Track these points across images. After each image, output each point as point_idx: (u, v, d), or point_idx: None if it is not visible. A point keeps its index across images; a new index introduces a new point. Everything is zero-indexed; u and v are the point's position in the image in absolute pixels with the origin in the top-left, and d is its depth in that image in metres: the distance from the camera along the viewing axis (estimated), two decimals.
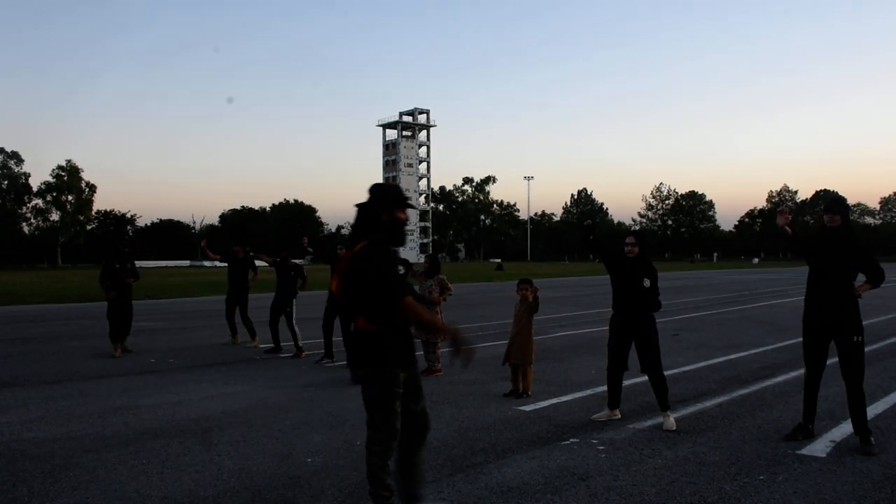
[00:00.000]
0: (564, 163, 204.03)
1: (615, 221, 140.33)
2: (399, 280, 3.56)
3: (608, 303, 6.52)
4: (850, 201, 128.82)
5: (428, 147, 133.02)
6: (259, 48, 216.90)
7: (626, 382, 6.64)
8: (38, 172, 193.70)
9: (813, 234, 5.39)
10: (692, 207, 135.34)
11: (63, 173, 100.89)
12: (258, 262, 12.13)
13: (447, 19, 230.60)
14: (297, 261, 11.36)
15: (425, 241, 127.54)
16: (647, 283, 5.91)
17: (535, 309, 7.29)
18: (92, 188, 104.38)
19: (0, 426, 6.08)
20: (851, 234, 5.33)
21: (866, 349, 5.48)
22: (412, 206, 3.77)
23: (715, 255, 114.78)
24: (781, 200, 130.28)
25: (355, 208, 3.65)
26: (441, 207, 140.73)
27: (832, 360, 5.42)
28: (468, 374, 8.54)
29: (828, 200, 5.58)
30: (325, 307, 9.94)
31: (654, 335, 5.93)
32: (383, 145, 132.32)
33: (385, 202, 3.58)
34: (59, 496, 4.31)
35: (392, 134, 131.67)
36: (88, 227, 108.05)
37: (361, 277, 3.48)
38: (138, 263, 11.48)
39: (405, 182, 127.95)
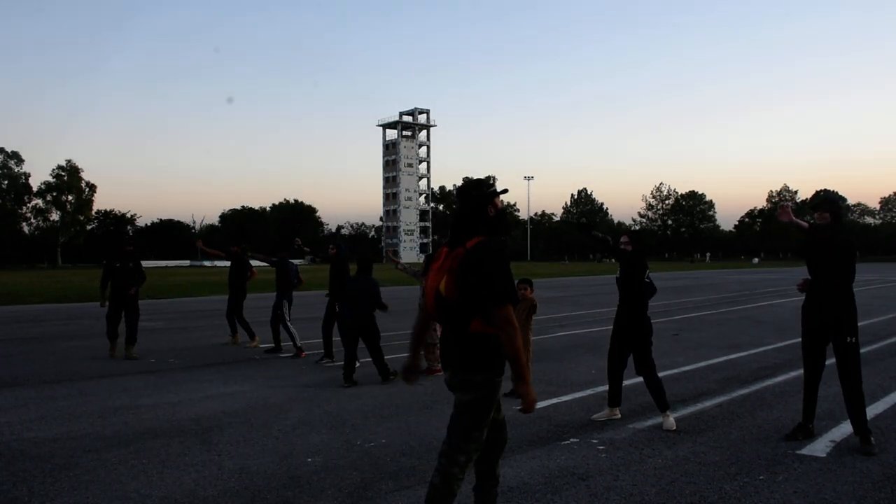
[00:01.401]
0: (564, 163, 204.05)
1: (615, 221, 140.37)
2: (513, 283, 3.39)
3: (608, 303, 6.52)
4: (850, 201, 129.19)
5: (428, 147, 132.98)
6: (259, 48, 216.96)
7: (626, 382, 6.63)
8: (38, 172, 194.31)
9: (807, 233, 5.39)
10: (692, 207, 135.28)
11: (63, 173, 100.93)
12: (255, 262, 12.13)
13: (447, 19, 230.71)
14: (296, 261, 11.38)
15: (425, 241, 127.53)
16: (618, 273, 5.98)
17: (532, 312, 7.29)
18: (92, 188, 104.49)
19: (0, 426, 6.08)
20: (841, 231, 5.31)
21: (866, 349, 5.49)
22: (506, 191, 3.60)
23: (707, 255, 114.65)
24: (782, 200, 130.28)
25: (454, 209, 3.51)
26: (441, 207, 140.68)
27: (832, 360, 5.42)
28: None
29: (817, 199, 5.59)
30: (325, 307, 9.94)
31: (645, 339, 5.93)
32: (383, 145, 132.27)
33: (487, 196, 3.44)
34: (59, 496, 4.31)
35: (392, 134, 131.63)
36: (88, 227, 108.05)
37: (481, 276, 3.25)
38: None
39: (405, 182, 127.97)
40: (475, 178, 3.59)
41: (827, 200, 5.41)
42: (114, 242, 12.59)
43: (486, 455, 3.60)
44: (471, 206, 3.41)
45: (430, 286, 3.44)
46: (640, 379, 6.04)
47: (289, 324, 10.42)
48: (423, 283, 8.54)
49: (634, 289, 5.94)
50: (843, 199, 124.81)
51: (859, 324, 5.42)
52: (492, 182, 3.63)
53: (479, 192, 3.45)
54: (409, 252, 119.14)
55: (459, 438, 3.36)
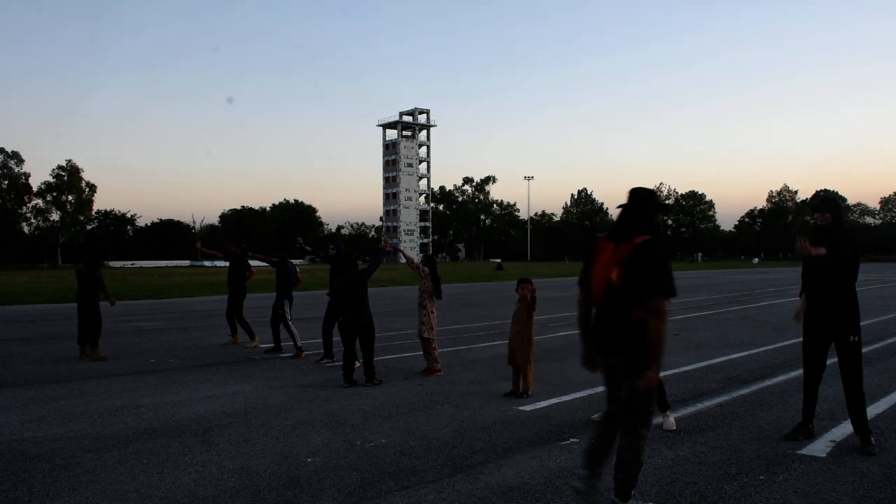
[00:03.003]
0: (564, 163, 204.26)
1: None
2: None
3: None
4: (850, 201, 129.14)
5: (428, 147, 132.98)
6: (259, 48, 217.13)
7: None
8: (38, 172, 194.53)
9: (808, 234, 5.39)
10: (692, 207, 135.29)
11: (63, 173, 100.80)
12: (253, 262, 12.13)
13: (447, 19, 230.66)
14: (296, 261, 11.39)
15: (425, 241, 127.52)
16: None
17: (532, 308, 7.29)
18: (92, 188, 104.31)
19: (0, 426, 6.08)
20: (844, 232, 5.31)
21: (866, 349, 5.48)
22: (671, 210, 3.96)
23: (699, 255, 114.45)
24: (782, 200, 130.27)
25: (619, 208, 3.99)
26: (441, 207, 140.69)
27: (832, 360, 5.42)
28: (468, 374, 8.55)
29: (817, 199, 5.58)
30: (326, 307, 9.95)
31: None
32: (383, 145, 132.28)
33: (653, 207, 3.92)
34: (59, 496, 4.31)
35: (392, 134, 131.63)
36: (88, 227, 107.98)
37: (646, 269, 3.68)
38: (138, 263, 11.44)
39: (405, 182, 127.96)
40: (643, 186, 4.03)
41: (827, 201, 5.40)
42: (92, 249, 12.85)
43: (619, 425, 4.01)
44: (643, 209, 3.89)
45: (600, 276, 3.84)
46: None
47: (290, 323, 10.42)
48: (422, 280, 8.59)
49: None
50: (843, 199, 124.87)
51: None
52: (660, 197, 3.98)
53: (652, 200, 3.95)
54: (411, 252, 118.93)
55: (641, 415, 3.85)
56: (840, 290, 5.22)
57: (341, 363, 8.26)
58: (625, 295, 3.73)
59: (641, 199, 3.93)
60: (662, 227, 3.88)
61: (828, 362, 5.46)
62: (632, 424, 3.85)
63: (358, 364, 8.45)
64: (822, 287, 5.28)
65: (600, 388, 6.39)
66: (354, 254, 8.64)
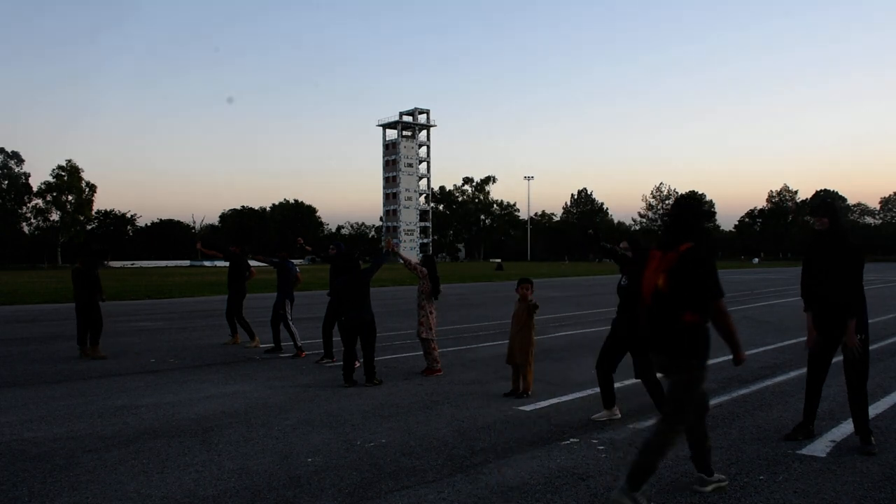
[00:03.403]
0: (564, 163, 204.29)
1: (615, 221, 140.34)
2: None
3: (608, 303, 6.52)
4: (850, 201, 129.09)
5: (428, 147, 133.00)
6: (259, 48, 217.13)
7: (626, 382, 6.64)
8: (38, 172, 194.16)
9: (807, 239, 5.37)
10: None
11: (63, 173, 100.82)
12: (253, 262, 12.14)
13: (447, 19, 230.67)
14: (296, 261, 11.41)
15: (425, 241, 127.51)
16: (624, 280, 5.97)
17: (533, 310, 7.28)
18: (92, 188, 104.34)
19: (0, 426, 6.08)
20: (842, 235, 5.30)
21: None
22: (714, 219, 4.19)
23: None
24: (782, 200, 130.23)
25: (665, 218, 4.01)
26: (441, 207, 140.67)
27: (834, 360, 5.42)
28: (468, 374, 8.55)
29: (816, 200, 5.59)
30: (326, 307, 9.94)
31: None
32: (383, 145, 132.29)
33: (698, 214, 4.16)
34: (59, 496, 4.31)
35: (392, 134, 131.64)
36: (88, 227, 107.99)
37: (691, 275, 3.94)
38: (138, 263, 11.47)
39: (405, 182, 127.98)
40: (689, 193, 4.12)
41: (823, 205, 5.39)
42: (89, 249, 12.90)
43: (694, 427, 4.26)
44: (687, 217, 4.11)
45: (650, 282, 4.11)
46: (639, 380, 6.04)
47: (290, 323, 10.42)
48: (421, 281, 8.57)
49: (629, 290, 5.91)
50: (843, 200, 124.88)
51: None
52: (704, 201, 4.13)
53: (696, 208, 4.19)
54: (410, 252, 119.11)
55: (676, 412, 4.01)
56: (846, 294, 5.18)
57: (341, 363, 8.27)
58: (671, 300, 3.98)
59: (686, 207, 4.19)
60: (709, 234, 3.97)
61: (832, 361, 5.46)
62: (666, 419, 4.07)
63: (358, 364, 8.45)
64: (826, 290, 5.24)
65: (599, 389, 6.39)
66: (357, 253, 8.62)
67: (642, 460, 3.96)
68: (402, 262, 9.14)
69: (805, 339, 5.57)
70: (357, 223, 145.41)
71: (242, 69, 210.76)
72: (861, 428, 5.20)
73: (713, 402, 6.85)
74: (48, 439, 5.64)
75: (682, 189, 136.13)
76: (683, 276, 3.96)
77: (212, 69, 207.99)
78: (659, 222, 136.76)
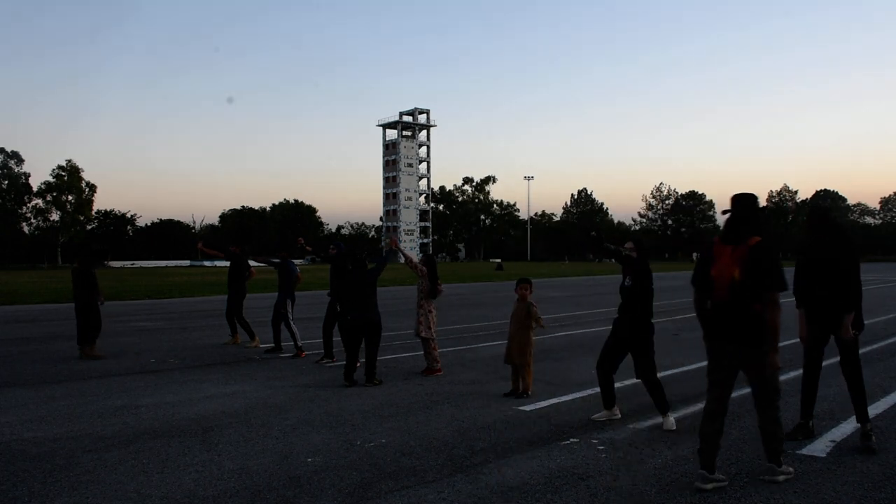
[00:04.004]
0: (564, 163, 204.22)
1: (615, 221, 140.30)
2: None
3: (607, 303, 6.52)
4: (850, 201, 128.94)
5: (428, 147, 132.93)
6: (259, 48, 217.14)
7: (626, 382, 6.63)
8: (38, 172, 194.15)
9: (805, 240, 5.44)
10: (692, 207, 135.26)
11: (63, 173, 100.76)
12: (253, 263, 12.14)
13: (447, 19, 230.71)
14: (296, 261, 11.41)
15: (425, 240, 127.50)
16: (628, 281, 5.90)
17: (531, 313, 7.27)
18: (92, 188, 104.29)
19: (0, 426, 6.08)
20: (838, 238, 5.30)
21: (866, 349, 5.49)
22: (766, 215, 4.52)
23: (695, 255, 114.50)
24: (782, 200, 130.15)
25: (727, 213, 4.53)
26: (441, 207, 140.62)
27: (832, 361, 5.42)
28: (468, 374, 8.55)
29: (817, 198, 5.70)
30: (326, 307, 9.94)
31: (648, 346, 5.89)
32: (383, 145, 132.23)
33: (758, 209, 4.55)
34: (59, 496, 4.31)
35: (392, 134, 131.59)
36: (88, 227, 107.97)
37: (761, 267, 4.30)
38: (138, 263, 11.53)
39: (405, 182, 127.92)
40: (746, 192, 4.62)
41: (813, 212, 5.52)
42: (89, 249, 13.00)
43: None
44: (749, 212, 4.48)
45: (725, 275, 4.39)
46: (640, 380, 6.04)
47: (292, 323, 10.43)
48: (420, 280, 8.56)
49: (644, 296, 5.89)
50: (843, 200, 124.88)
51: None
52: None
53: (756, 204, 4.57)
54: (410, 252, 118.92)
55: (773, 392, 4.54)
56: (842, 289, 5.20)
57: (341, 363, 8.27)
58: (745, 291, 4.32)
59: (748, 203, 4.53)
60: (766, 227, 4.51)
61: (826, 363, 5.46)
62: (767, 401, 4.48)
63: (359, 364, 8.45)
64: (823, 287, 5.26)
65: (599, 389, 6.40)
66: (364, 254, 8.63)
67: (774, 445, 4.43)
68: (403, 260, 9.15)
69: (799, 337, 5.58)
70: (357, 223, 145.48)
71: (242, 69, 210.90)
72: (862, 416, 5.22)
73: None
74: (48, 439, 5.64)
75: (682, 189, 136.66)
76: (754, 268, 4.29)
77: (212, 69, 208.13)
78: (659, 222, 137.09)
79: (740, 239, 4.39)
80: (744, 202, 4.53)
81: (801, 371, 5.73)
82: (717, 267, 4.44)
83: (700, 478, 4.37)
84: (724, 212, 4.60)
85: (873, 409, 6.21)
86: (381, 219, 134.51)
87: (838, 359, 5.45)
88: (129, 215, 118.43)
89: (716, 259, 4.46)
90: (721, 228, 4.60)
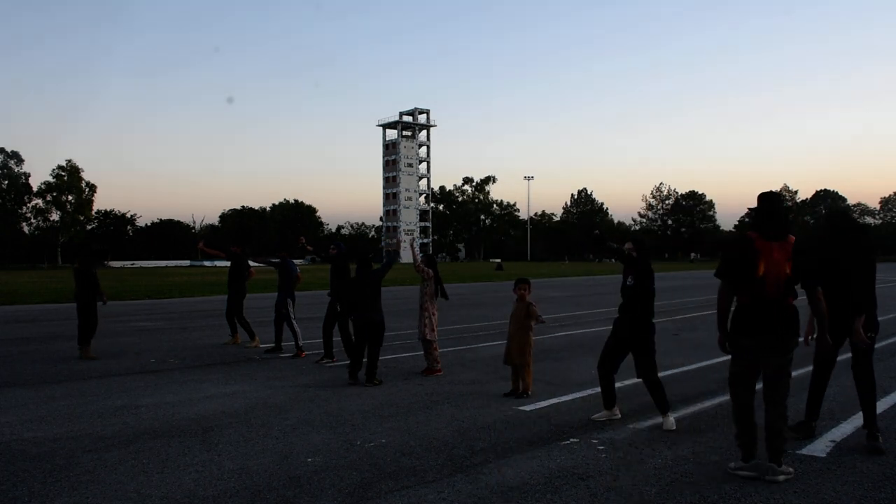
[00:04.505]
0: (564, 163, 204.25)
1: (615, 221, 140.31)
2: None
3: (607, 303, 6.52)
4: (850, 201, 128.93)
5: (428, 147, 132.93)
6: (259, 48, 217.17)
7: (626, 382, 6.63)
8: (38, 172, 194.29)
9: (817, 244, 5.44)
10: (692, 207, 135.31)
11: (63, 173, 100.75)
12: (254, 264, 12.14)
13: (447, 19, 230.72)
14: (297, 261, 11.43)
15: (425, 241, 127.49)
16: (630, 281, 5.89)
17: (531, 314, 7.27)
18: (92, 188, 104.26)
19: (0, 426, 6.08)
20: (844, 241, 5.30)
21: None
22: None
23: (696, 255, 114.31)
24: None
25: (759, 211, 4.60)
26: (441, 207, 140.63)
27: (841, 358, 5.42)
28: (468, 374, 8.55)
29: (817, 197, 5.87)
30: (326, 307, 9.94)
31: (649, 346, 5.89)
32: (383, 145, 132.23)
33: (785, 209, 4.69)
34: (59, 496, 4.31)
35: (392, 134, 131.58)
36: (88, 227, 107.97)
37: (797, 262, 4.49)
38: (138, 263, 11.56)
39: (405, 182, 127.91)
40: (772, 191, 4.72)
41: (834, 215, 5.72)
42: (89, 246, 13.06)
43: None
44: (783, 210, 4.65)
45: (778, 271, 4.47)
46: (640, 379, 6.03)
47: (294, 322, 10.43)
48: (424, 282, 8.56)
49: (645, 296, 5.88)
50: (843, 200, 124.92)
51: None
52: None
53: (783, 202, 4.77)
54: (417, 251, 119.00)
55: (786, 388, 4.57)
56: (857, 291, 5.17)
57: (341, 363, 8.27)
58: (791, 285, 4.51)
59: (781, 202, 4.70)
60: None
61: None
62: (779, 395, 4.53)
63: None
64: (839, 299, 5.21)
65: (599, 389, 6.39)
66: (371, 254, 8.63)
67: (779, 443, 4.46)
68: (410, 259, 9.18)
69: (802, 336, 5.57)
70: (357, 223, 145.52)
71: (242, 69, 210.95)
72: (869, 422, 5.20)
73: (714, 402, 6.86)
74: (48, 439, 5.64)
75: (682, 189, 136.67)
76: (794, 262, 4.50)
77: (212, 69, 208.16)
78: (659, 222, 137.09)
79: (783, 236, 4.51)
80: (779, 200, 4.67)
81: (803, 370, 5.72)
82: (766, 264, 4.45)
83: (769, 471, 4.47)
84: (752, 209, 4.63)
85: None
86: (381, 219, 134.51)
87: (849, 356, 5.44)
88: (129, 215, 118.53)
89: (762, 256, 4.44)
90: (752, 226, 4.59)
